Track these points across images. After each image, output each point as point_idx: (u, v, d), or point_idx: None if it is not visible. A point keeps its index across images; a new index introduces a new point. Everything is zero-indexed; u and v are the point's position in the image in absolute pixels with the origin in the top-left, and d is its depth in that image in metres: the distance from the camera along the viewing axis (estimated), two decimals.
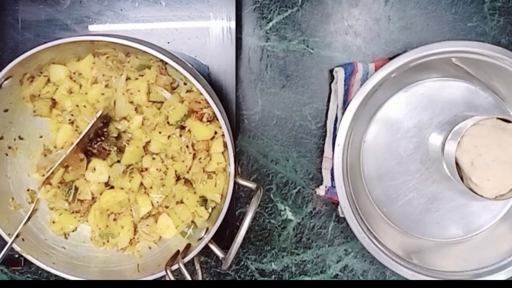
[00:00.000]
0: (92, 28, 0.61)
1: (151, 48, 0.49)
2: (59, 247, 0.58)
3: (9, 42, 0.60)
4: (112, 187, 0.58)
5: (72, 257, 0.57)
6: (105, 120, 0.56)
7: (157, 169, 0.56)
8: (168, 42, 0.60)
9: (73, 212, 0.58)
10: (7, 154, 0.57)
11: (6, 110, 0.55)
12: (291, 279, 0.66)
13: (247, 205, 0.61)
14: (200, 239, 0.52)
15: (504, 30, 0.63)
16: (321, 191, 0.63)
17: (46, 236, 0.57)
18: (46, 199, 0.58)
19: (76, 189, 0.57)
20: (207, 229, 0.52)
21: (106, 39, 0.49)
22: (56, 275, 0.53)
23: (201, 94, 0.50)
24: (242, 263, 0.66)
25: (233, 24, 0.60)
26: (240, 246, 0.64)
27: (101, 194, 0.57)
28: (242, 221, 0.47)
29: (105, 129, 0.56)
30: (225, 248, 0.50)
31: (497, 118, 0.56)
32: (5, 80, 0.52)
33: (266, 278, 0.66)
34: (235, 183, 0.50)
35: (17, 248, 0.53)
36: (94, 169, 0.57)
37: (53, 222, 0.58)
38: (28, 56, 0.49)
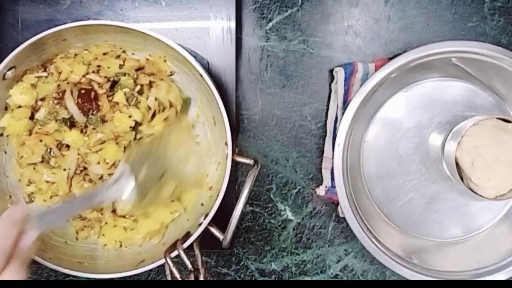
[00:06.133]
0: None
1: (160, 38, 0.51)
2: (56, 245, 0.57)
3: (9, 42, 0.60)
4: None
5: (70, 256, 0.57)
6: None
7: None
8: None
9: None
10: (6, 152, 0.57)
11: (6, 108, 0.55)
12: (291, 279, 0.66)
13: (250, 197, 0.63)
14: (199, 224, 0.52)
15: (504, 30, 0.63)
16: (321, 191, 0.63)
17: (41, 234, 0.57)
18: None
19: None
20: (206, 215, 0.52)
21: (119, 24, 0.50)
22: (56, 276, 0.53)
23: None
24: (242, 263, 0.66)
25: (233, 24, 0.60)
26: (240, 246, 0.65)
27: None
28: (239, 195, 0.47)
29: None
30: None
31: (497, 118, 0.56)
32: (8, 70, 0.52)
33: (266, 278, 0.66)
34: (233, 161, 0.51)
35: None
36: None
37: None
38: (31, 44, 0.50)
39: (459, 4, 0.62)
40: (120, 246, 0.59)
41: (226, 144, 0.51)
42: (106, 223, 0.58)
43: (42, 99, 0.56)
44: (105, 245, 0.59)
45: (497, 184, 0.55)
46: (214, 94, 0.51)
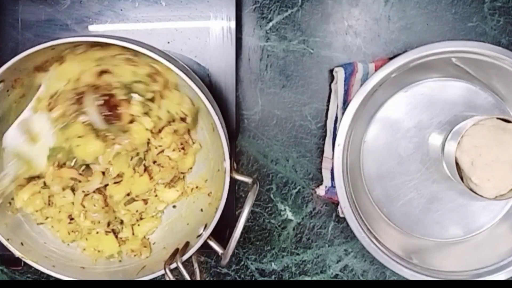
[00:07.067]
0: (92, 28, 0.60)
1: (151, 50, 0.48)
2: (58, 250, 0.57)
3: (9, 42, 0.60)
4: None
5: (72, 260, 0.57)
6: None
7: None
8: (168, 42, 0.60)
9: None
10: None
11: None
12: (291, 279, 0.66)
13: None
14: (198, 236, 0.52)
15: (504, 30, 0.63)
16: (321, 191, 0.63)
17: (45, 240, 0.57)
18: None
19: None
20: (205, 225, 0.52)
21: (99, 39, 0.48)
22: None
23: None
24: (242, 263, 0.66)
25: (233, 24, 0.60)
26: (240, 246, 0.65)
27: None
28: (240, 215, 0.47)
29: None
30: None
31: (497, 118, 0.56)
32: None
33: (266, 278, 0.66)
34: (232, 179, 0.50)
35: (16, 253, 0.53)
36: None
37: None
38: (20, 59, 0.48)
39: (459, 4, 0.62)
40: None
41: (225, 159, 0.50)
42: (97, 232, 0.58)
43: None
44: (84, 249, 0.58)
45: (497, 184, 0.55)
46: (212, 118, 0.49)
